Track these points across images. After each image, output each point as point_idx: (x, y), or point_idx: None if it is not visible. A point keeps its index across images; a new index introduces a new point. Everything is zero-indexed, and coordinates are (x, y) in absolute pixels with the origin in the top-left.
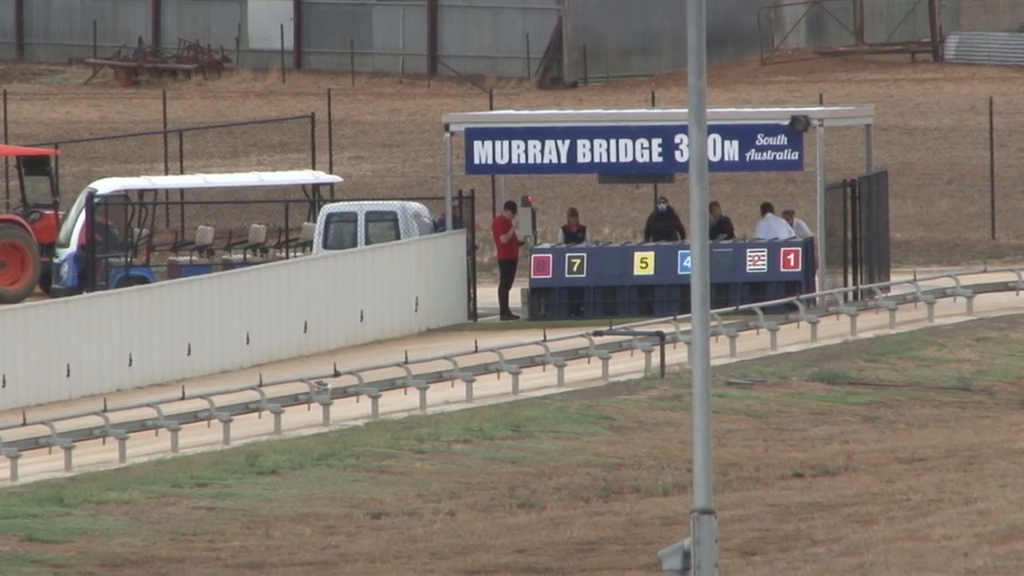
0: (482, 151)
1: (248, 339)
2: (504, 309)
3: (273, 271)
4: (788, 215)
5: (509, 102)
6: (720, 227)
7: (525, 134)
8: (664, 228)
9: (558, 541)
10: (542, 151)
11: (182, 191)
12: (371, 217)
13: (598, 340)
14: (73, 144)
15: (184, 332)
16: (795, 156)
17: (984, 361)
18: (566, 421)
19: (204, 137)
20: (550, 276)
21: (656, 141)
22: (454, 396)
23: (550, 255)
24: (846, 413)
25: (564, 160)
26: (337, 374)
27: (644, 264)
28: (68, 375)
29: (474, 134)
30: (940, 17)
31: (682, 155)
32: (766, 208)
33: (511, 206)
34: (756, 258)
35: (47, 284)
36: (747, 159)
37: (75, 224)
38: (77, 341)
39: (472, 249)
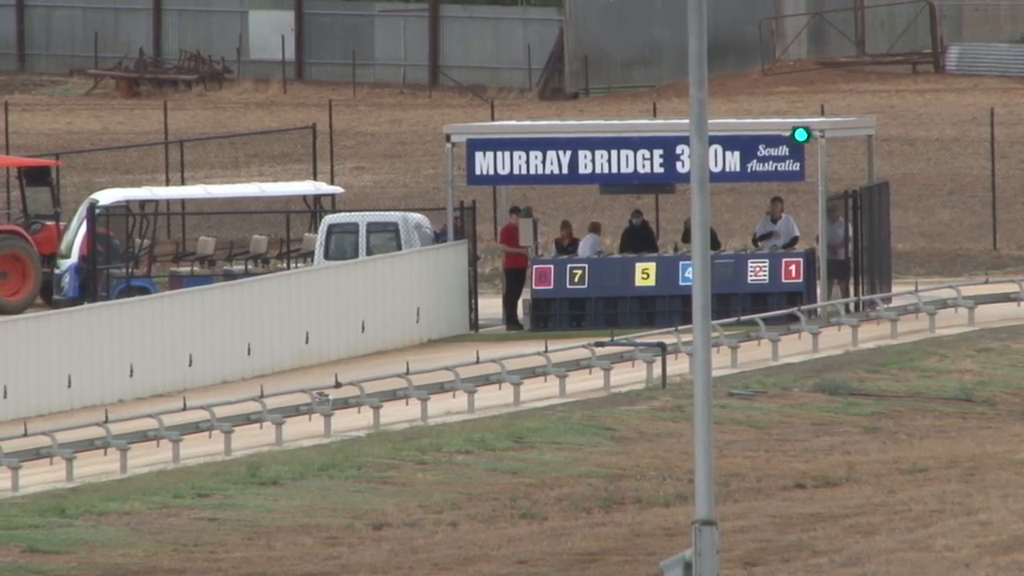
0: (483, 162)
1: (249, 350)
2: (510, 318)
3: (274, 282)
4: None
5: (510, 113)
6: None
7: (526, 145)
8: (639, 241)
9: (559, 552)
10: (543, 162)
11: (183, 202)
12: (372, 228)
13: (599, 351)
14: (74, 155)
15: (185, 343)
16: (796, 167)
17: (986, 372)
18: (568, 432)
19: (205, 148)
20: (551, 287)
21: (657, 152)
22: (455, 407)
23: (551, 266)
24: (847, 424)
25: (565, 171)
26: (338, 385)
27: (645, 275)
28: (69, 386)
29: (475, 145)
30: (941, 28)
31: (683, 166)
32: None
33: (516, 210)
34: (757, 269)
35: (48, 295)
36: (748, 170)
37: (76, 235)
38: (78, 352)
39: (474, 260)
